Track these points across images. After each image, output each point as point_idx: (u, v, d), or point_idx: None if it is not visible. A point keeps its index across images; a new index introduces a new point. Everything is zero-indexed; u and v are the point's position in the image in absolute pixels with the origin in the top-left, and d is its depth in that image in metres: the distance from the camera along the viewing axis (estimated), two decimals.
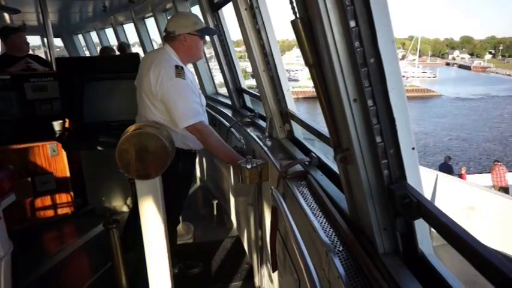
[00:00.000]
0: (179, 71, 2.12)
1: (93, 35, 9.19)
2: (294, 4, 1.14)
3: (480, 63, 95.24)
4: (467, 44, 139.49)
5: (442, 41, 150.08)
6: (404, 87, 1.00)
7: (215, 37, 3.51)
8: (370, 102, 0.99)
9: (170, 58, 2.20)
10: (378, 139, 1.02)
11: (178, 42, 2.23)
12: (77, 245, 3.17)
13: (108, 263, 2.17)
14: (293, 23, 1.12)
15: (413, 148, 1.03)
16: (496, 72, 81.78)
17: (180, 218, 3.02)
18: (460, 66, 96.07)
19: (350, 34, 0.94)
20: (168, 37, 2.26)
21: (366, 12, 0.91)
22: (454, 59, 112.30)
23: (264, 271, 2.42)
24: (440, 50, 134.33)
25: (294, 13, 1.14)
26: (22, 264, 2.89)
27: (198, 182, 4.50)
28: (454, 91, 50.49)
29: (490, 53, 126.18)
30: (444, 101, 44.77)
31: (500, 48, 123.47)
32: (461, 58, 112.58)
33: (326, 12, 0.95)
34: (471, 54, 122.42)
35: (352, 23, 0.93)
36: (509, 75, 75.64)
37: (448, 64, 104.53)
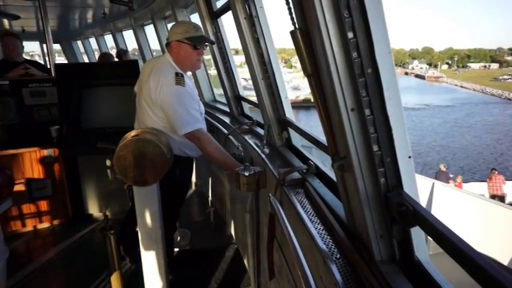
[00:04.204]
0: (179, 79, 2.14)
1: (92, 41, 9.22)
2: (293, 15, 1.16)
3: (434, 73, 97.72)
4: (426, 54, 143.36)
5: (406, 51, 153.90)
6: (400, 97, 1.02)
7: (214, 45, 3.53)
8: (367, 112, 1.01)
9: (170, 65, 2.23)
10: (375, 148, 1.04)
11: (170, 49, 2.26)
12: (73, 252, 3.15)
13: (104, 269, 2.16)
14: (292, 33, 1.14)
15: (409, 157, 1.04)
16: (447, 82, 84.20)
17: (177, 225, 3.02)
18: (417, 76, 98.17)
19: (348, 45, 0.96)
20: (166, 44, 2.30)
21: (364, 24, 0.94)
22: (413, 68, 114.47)
23: (261, 279, 2.41)
24: (402, 59, 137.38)
25: (293, 24, 1.16)
26: (17, 270, 2.86)
27: (195, 189, 4.50)
28: (402, 101, 51.12)
29: (447, 63, 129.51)
30: None
31: (456, 59, 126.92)
32: (420, 68, 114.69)
33: (324, 24, 0.97)
34: (429, 65, 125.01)
35: (350, 35, 0.95)
36: (456, 85, 78.08)
37: (406, 73, 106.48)
